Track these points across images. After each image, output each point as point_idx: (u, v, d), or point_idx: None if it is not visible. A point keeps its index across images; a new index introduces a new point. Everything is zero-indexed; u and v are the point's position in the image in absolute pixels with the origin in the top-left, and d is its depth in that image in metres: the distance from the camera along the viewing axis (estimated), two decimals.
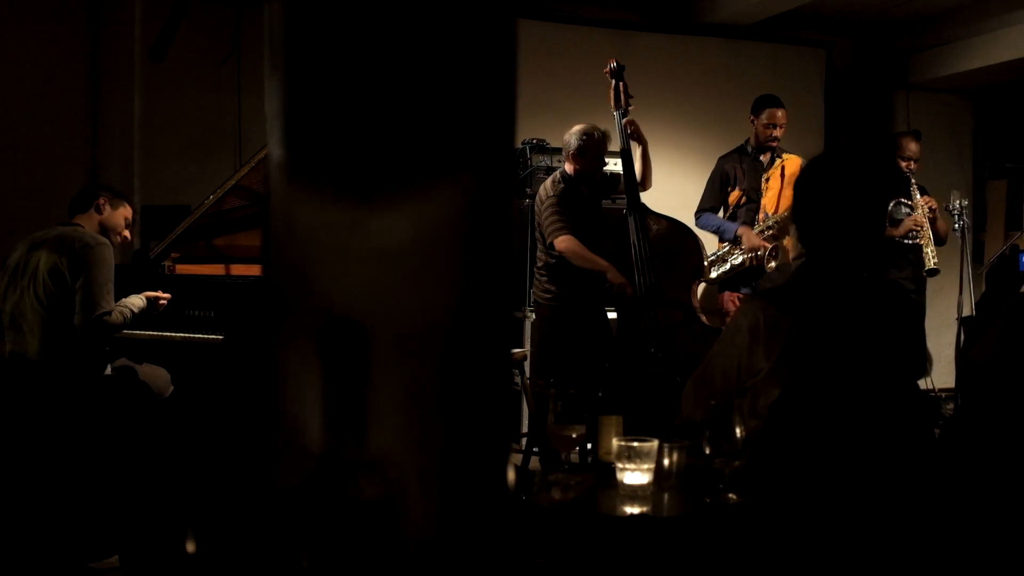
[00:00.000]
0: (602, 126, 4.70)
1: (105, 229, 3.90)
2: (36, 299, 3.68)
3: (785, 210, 4.82)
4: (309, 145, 1.03)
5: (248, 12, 5.85)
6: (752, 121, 5.10)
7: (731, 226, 4.96)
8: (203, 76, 5.96)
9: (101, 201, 3.92)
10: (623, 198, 4.86)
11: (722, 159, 5.19)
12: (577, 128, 4.60)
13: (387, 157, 1.01)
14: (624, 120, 4.64)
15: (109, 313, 3.71)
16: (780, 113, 5.03)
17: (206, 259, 4.66)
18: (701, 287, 4.92)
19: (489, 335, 1.07)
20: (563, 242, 4.50)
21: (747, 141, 5.14)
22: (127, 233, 4.05)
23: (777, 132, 5.01)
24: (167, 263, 4.50)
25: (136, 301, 3.90)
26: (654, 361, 4.32)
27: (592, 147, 4.55)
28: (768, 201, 4.95)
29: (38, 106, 5.76)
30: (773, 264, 4.80)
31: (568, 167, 4.63)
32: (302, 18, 1.03)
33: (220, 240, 4.71)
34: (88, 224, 3.87)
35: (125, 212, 4.01)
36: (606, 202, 4.98)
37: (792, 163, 5.01)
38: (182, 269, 4.52)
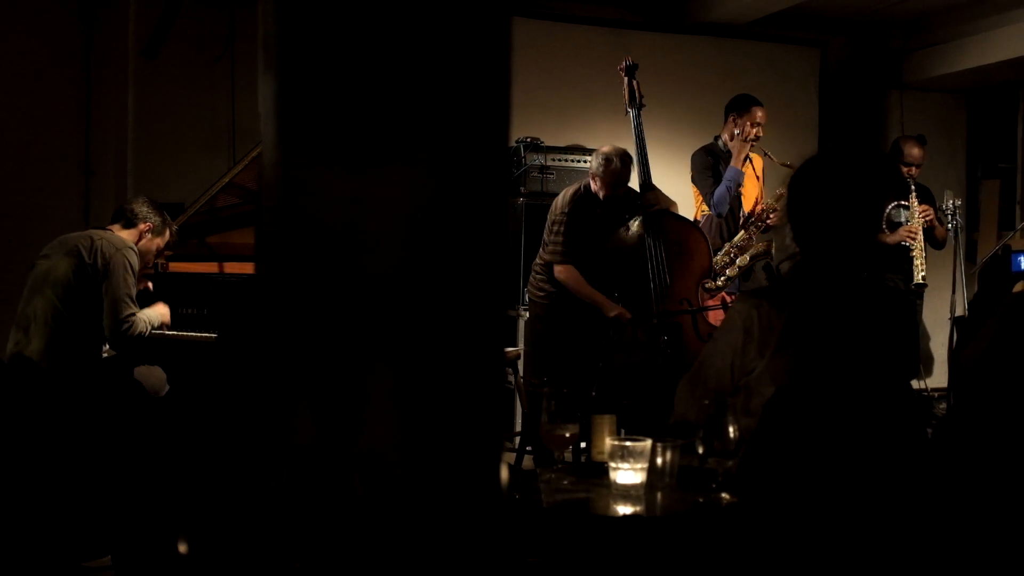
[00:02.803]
0: (595, 122, 4.68)
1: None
2: (55, 299, 3.68)
3: (762, 214, 4.80)
4: (304, 138, 1.03)
5: (241, 10, 5.83)
6: (733, 119, 5.01)
7: (733, 172, 4.86)
8: (197, 74, 5.94)
9: (144, 227, 3.95)
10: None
11: (702, 151, 5.10)
12: (603, 149, 4.57)
13: (381, 148, 1.00)
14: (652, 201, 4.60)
15: (133, 315, 3.75)
16: (762, 112, 5.00)
17: (200, 257, 4.65)
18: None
19: (481, 333, 1.07)
20: (562, 271, 4.54)
21: (717, 139, 5.08)
22: (150, 260, 4.08)
23: (760, 132, 4.98)
24: (160, 261, 4.48)
25: (155, 318, 3.95)
26: (663, 358, 4.33)
27: (608, 173, 4.52)
28: (747, 201, 4.95)
29: (31, 103, 5.74)
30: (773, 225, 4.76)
31: (591, 183, 4.62)
32: (295, 16, 1.03)
33: (214, 238, 4.70)
34: (123, 234, 3.90)
35: (160, 241, 4.04)
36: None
37: (754, 163, 5.02)
38: (175, 267, 4.50)
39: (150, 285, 4.18)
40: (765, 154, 4.98)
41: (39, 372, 3.65)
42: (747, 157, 5.03)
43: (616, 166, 4.53)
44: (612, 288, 4.57)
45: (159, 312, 4.03)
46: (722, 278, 4.71)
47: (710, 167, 4.98)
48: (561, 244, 4.56)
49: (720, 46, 7.06)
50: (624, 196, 4.79)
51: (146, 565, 2.86)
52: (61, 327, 3.67)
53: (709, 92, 6.84)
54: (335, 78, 1.00)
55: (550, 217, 4.68)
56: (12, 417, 3.56)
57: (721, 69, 6.94)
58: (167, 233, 4.07)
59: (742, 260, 4.73)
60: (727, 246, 4.78)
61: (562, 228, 4.57)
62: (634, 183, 4.76)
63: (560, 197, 4.70)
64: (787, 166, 4.79)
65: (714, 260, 4.74)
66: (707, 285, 4.67)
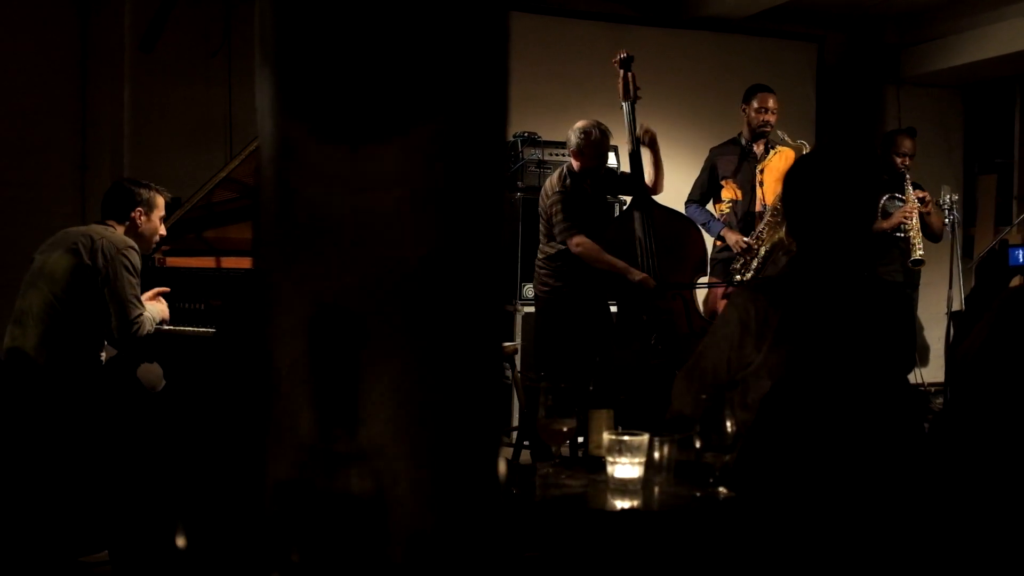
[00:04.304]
0: (601, 119, 4.69)
1: (139, 236, 3.91)
2: (51, 295, 3.67)
3: (775, 199, 4.83)
4: (301, 134, 1.03)
5: (238, 4, 5.83)
6: (743, 110, 5.09)
7: (716, 225, 4.98)
8: (193, 68, 5.93)
9: (135, 214, 3.92)
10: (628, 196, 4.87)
11: (714, 151, 5.19)
12: (578, 126, 4.60)
13: (376, 121, 1.00)
14: (645, 126, 4.64)
15: (141, 315, 3.75)
16: (771, 99, 5.02)
17: (197, 252, 4.64)
18: (703, 280, 4.93)
19: (479, 328, 1.07)
20: (578, 244, 4.50)
21: (740, 134, 5.14)
22: (163, 230, 4.06)
23: (770, 117, 4.99)
24: (157, 256, 4.47)
25: (156, 314, 3.95)
26: (654, 353, 4.34)
27: (591, 146, 4.54)
28: (767, 193, 4.95)
29: (27, 97, 5.73)
30: (763, 251, 4.80)
31: (573, 163, 4.64)
32: (292, 9, 1.03)
33: (211, 233, 4.69)
34: (121, 230, 3.89)
35: (159, 212, 4.02)
36: (609, 196, 5.00)
37: (782, 156, 5.01)
38: (172, 262, 4.50)
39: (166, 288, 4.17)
40: (781, 137, 4.99)
41: (35, 367, 3.65)
42: (769, 147, 5.04)
43: (596, 136, 4.55)
44: (607, 287, 4.56)
45: (158, 308, 4.03)
46: (750, 272, 4.74)
47: (707, 174, 5.13)
48: (564, 220, 4.53)
49: (717, 41, 7.06)
50: (612, 175, 4.82)
51: (143, 560, 2.86)
52: (56, 323, 3.66)
53: (706, 87, 6.85)
54: (333, 72, 1.00)
55: (543, 202, 4.67)
56: (9, 412, 3.56)
57: (718, 64, 6.94)
58: (159, 201, 4.02)
59: (763, 250, 4.76)
60: (751, 236, 4.82)
61: (561, 207, 4.54)
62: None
63: (547, 183, 4.71)
64: (800, 143, 4.85)
65: (752, 242, 4.76)
66: (735, 279, 4.70)
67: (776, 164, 5.00)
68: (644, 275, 4.42)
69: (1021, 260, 5.44)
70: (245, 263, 4.48)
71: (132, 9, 5.78)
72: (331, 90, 1.00)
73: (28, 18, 5.75)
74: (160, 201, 4.02)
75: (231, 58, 5.86)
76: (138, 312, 3.75)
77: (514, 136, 5.62)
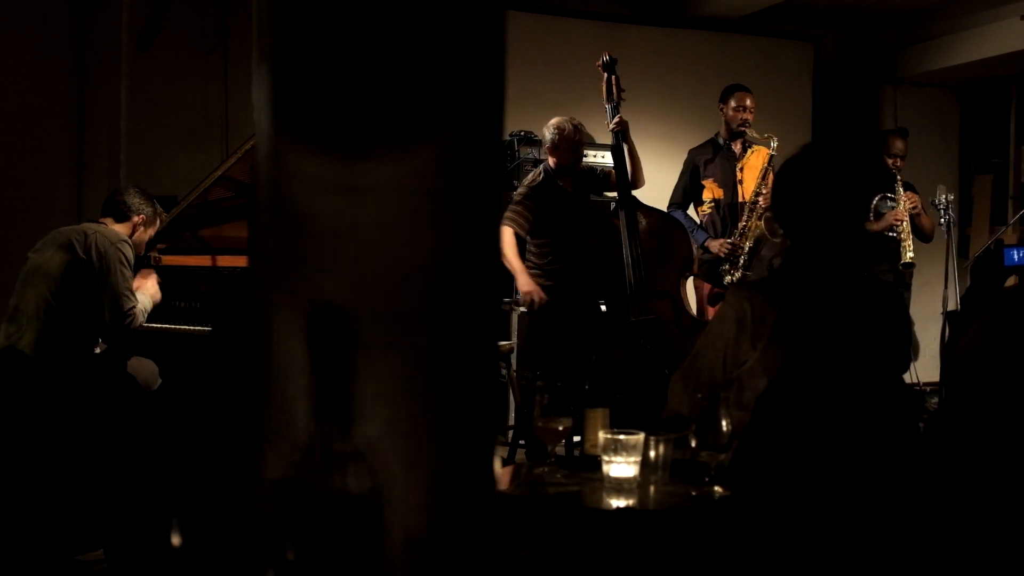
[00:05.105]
0: (589, 118, 4.70)
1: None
2: (47, 292, 3.68)
3: (753, 194, 4.83)
4: (297, 128, 1.03)
5: (235, 2, 5.82)
6: (721, 109, 5.10)
7: (700, 235, 4.96)
8: (190, 66, 5.93)
9: (138, 220, 3.96)
10: (612, 193, 4.87)
11: (693, 152, 5.18)
12: (551, 122, 4.64)
13: (373, 138, 1.01)
14: (617, 117, 4.64)
15: (133, 308, 3.78)
16: (749, 98, 5.03)
17: (193, 250, 4.64)
18: (690, 281, 4.92)
19: (475, 327, 1.07)
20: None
21: (717, 134, 5.14)
22: (142, 250, 4.11)
23: (747, 116, 5.00)
24: (153, 254, 4.47)
25: (148, 303, 3.96)
26: (643, 354, 4.33)
27: (564, 141, 4.57)
28: (747, 191, 4.96)
29: (24, 96, 5.72)
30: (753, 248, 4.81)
31: (550, 160, 4.66)
32: (289, 8, 1.03)
33: (207, 231, 4.69)
34: (115, 227, 3.91)
35: (153, 231, 4.09)
36: (595, 197, 4.99)
37: (760, 153, 5.01)
38: (168, 260, 4.49)
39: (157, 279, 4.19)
40: (751, 134, 5.00)
41: (31, 365, 3.65)
42: (747, 146, 5.04)
43: (569, 130, 4.59)
44: (595, 289, 4.57)
45: (150, 294, 4.04)
46: (739, 271, 4.74)
47: (687, 176, 5.13)
48: (510, 210, 4.59)
49: (714, 40, 7.06)
50: (594, 175, 4.83)
51: (139, 558, 2.86)
52: (52, 320, 3.67)
53: (703, 86, 6.83)
54: (330, 69, 1.00)
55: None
56: (5, 410, 3.55)
57: (715, 63, 6.94)
58: (158, 221, 4.11)
59: (747, 244, 4.77)
60: (735, 234, 4.82)
61: (520, 198, 4.62)
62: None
63: (524, 180, 4.79)
64: (767, 136, 4.86)
65: (736, 241, 4.76)
66: (726, 281, 4.70)
67: (754, 162, 5.01)
68: (531, 288, 4.44)
69: (1016, 260, 5.45)
70: (241, 261, 4.48)
71: (129, 8, 5.77)
72: (327, 89, 1.00)
73: (25, 16, 5.75)
74: (158, 223, 4.10)
75: (228, 56, 5.85)
76: (131, 304, 3.78)
77: (510, 135, 5.62)
